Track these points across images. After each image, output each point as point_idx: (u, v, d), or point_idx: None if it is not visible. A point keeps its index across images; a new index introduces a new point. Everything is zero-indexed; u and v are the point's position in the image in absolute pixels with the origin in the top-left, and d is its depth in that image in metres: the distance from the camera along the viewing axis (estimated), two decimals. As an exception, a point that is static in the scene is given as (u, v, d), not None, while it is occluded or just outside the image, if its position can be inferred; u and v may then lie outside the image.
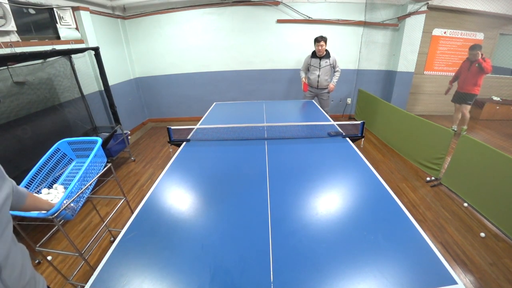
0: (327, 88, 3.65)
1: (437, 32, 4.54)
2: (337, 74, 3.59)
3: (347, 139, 2.05)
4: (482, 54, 3.59)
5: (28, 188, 1.43)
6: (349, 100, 4.98)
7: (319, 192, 1.37)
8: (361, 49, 4.51)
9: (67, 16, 3.13)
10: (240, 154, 1.88)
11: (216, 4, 4.21)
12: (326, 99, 3.74)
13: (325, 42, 3.38)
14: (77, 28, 3.30)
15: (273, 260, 0.95)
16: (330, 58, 3.49)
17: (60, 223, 1.28)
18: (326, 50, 3.47)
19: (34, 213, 1.31)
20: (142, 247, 1.03)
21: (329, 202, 1.30)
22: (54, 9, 2.96)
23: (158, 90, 4.95)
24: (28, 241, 1.45)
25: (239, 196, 1.37)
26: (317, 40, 3.38)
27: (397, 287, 0.83)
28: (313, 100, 3.60)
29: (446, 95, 4.28)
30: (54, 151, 1.61)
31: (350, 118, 5.08)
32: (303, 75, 3.72)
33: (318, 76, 3.57)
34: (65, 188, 1.52)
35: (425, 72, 4.84)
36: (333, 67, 3.56)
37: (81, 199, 1.45)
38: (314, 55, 3.55)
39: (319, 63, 3.50)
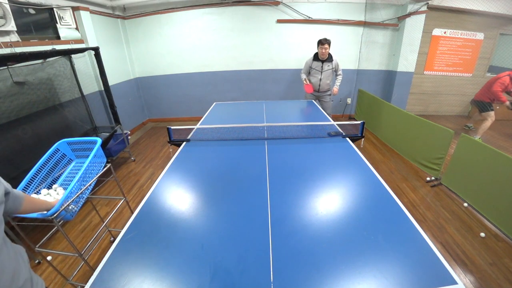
0: (328, 91, 3.58)
1: (437, 32, 4.54)
2: (340, 78, 3.50)
3: (347, 139, 2.04)
4: None
5: (28, 188, 1.43)
6: (349, 100, 4.98)
7: (319, 192, 1.37)
8: (361, 49, 4.51)
9: (67, 16, 3.13)
10: (240, 154, 1.88)
11: (216, 4, 4.21)
12: (328, 101, 3.67)
13: (329, 45, 3.23)
14: (77, 28, 3.30)
15: (273, 260, 0.95)
16: (333, 62, 3.37)
17: (60, 223, 1.28)
18: (329, 54, 3.35)
19: (33, 214, 1.30)
20: (142, 247, 1.03)
21: (329, 202, 1.30)
22: (54, 9, 2.96)
23: (158, 90, 4.95)
24: (27, 242, 1.45)
25: (239, 196, 1.37)
26: (321, 43, 3.21)
27: (397, 287, 0.83)
28: (313, 100, 3.60)
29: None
30: (54, 151, 1.61)
31: (350, 118, 5.08)
32: (304, 77, 3.55)
33: (320, 80, 3.44)
34: (64, 189, 1.52)
35: (425, 72, 4.84)
36: (335, 70, 3.46)
37: (81, 199, 1.45)
38: (316, 57, 3.40)
39: (322, 66, 3.37)
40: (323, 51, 3.26)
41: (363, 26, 4.34)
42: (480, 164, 2.28)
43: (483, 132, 3.79)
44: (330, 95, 3.64)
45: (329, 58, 3.37)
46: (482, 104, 3.80)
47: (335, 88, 3.52)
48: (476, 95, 3.93)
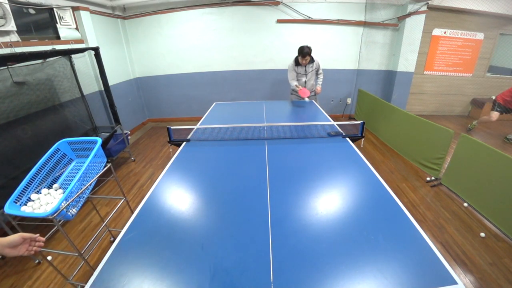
0: (313, 91, 3.60)
1: (437, 32, 4.54)
2: (321, 77, 3.54)
3: (347, 139, 2.04)
4: None
5: (28, 188, 1.43)
6: (349, 100, 4.98)
7: (319, 192, 1.37)
8: (361, 49, 4.51)
9: (67, 16, 3.13)
10: (240, 154, 1.88)
11: (216, 4, 4.21)
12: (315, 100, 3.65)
13: (310, 53, 3.21)
14: (77, 28, 3.30)
15: (273, 260, 0.95)
16: (315, 62, 3.42)
17: (60, 223, 1.28)
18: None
19: (34, 213, 1.31)
20: (142, 247, 1.03)
21: (329, 202, 1.30)
22: (54, 9, 2.96)
23: (158, 90, 4.95)
24: (28, 241, 1.45)
25: (239, 196, 1.37)
26: (303, 55, 3.17)
27: (397, 287, 0.83)
28: (313, 100, 3.60)
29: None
30: (54, 151, 1.61)
31: (350, 118, 5.08)
32: (294, 83, 3.46)
33: (305, 82, 3.52)
34: (65, 189, 1.52)
35: (425, 72, 4.84)
36: (317, 70, 3.50)
37: (81, 199, 1.45)
38: (297, 63, 3.40)
39: (305, 69, 3.44)
40: (304, 62, 3.29)
41: (363, 26, 4.34)
42: (480, 164, 2.28)
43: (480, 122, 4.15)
44: (315, 95, 3.65)
45: (311, 60, 3.38)
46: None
47: (318, 87, 3.53)
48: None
